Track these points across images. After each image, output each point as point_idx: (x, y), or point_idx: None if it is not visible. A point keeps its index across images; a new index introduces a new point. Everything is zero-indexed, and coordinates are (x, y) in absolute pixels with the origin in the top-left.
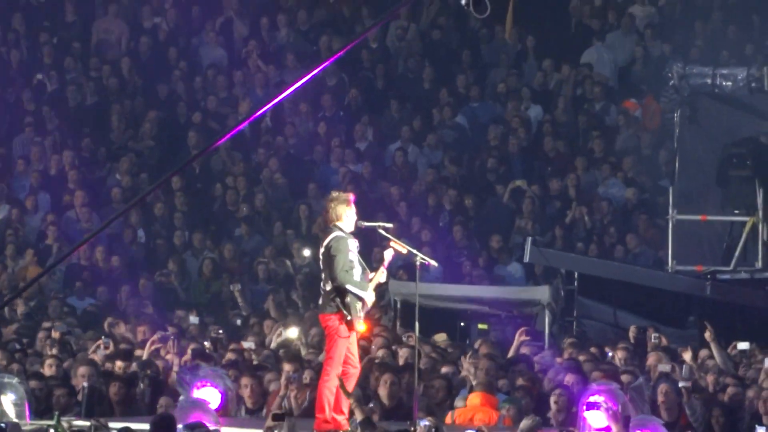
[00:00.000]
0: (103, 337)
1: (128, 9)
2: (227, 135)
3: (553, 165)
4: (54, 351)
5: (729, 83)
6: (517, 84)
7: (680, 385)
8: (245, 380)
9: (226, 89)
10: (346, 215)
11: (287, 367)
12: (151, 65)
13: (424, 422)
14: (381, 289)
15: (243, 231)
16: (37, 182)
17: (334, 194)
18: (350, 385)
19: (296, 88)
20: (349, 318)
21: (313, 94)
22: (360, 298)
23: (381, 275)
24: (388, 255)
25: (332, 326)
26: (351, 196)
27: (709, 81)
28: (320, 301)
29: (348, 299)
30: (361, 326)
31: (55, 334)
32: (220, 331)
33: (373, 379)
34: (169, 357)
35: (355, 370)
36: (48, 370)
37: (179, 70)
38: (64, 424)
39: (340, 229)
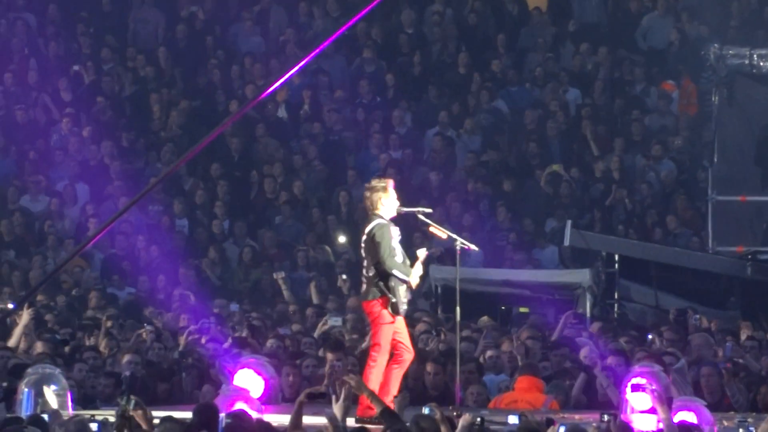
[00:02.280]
0: (145, 325)
1: None
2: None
3: (592, 148)
4: (96, 340)
5: (767, 63)
6: (554, 67)
7: (719, 365)
8: (284, 368)
9: (263, 77)
10: (383, 203)
11: (330, 356)
12: (188, 54)
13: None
14: (422, 275)
15: (283, 218)
16: (75, 173)
17: (371, 183)
18: (401, 372)
19: (291, 75)
20: (393, 301)
21: (351, 80)
22: (404, 281)
23: (418, 270)
24: (421, 254)
25: (376, 312)
26: (390, 183)
27: (746, 61)
28: (363, 288)
29: (392, 283)
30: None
31: (107, 323)
32: (255, 317)
33: (416, 367)
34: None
35: (409, 355)
36: (90, 360)
37: (216, 58)
38: (110, 417)
39: (381, 217)
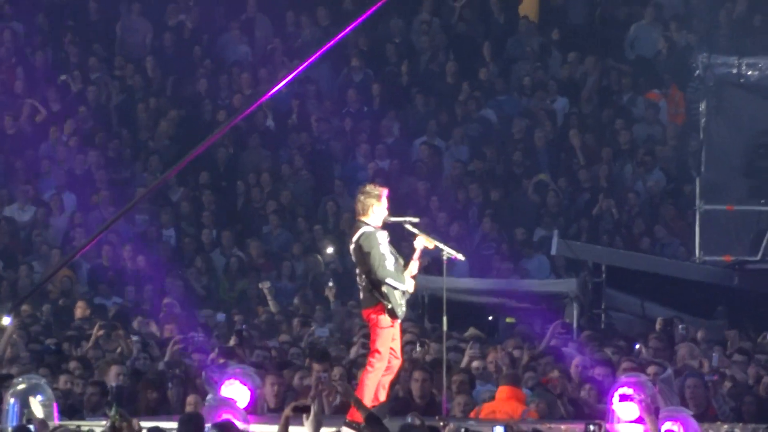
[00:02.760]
0: (132, 335)
1: (152, 7)
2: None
3: (579, 157)
4: (82, 351)
5: (755, 72)
6: (542, 77)
7: (706, 378)
8: (269, 378)
9: (251, 87)
10: (373, 210)
11: (317, 367)
12: (176, 63)
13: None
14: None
15: (270, 228)
16: (62, 183)
17: (366, 188)
18: (389, 379)
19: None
20: (389, 307)
21: (339, 90)
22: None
23: (414, 266)
24: (419, 244)
25: (374, 319)
26: (384, 191)
27: (734, 70)
28: (360, 297)
29: (385, 289)
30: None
31: (99, 332)
32: (245, 327)
33: (403, 375)
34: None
35: (397, 361)
36: (77, 370)
37: (204, 68)
38: (96, 429)
39: (366, 224)
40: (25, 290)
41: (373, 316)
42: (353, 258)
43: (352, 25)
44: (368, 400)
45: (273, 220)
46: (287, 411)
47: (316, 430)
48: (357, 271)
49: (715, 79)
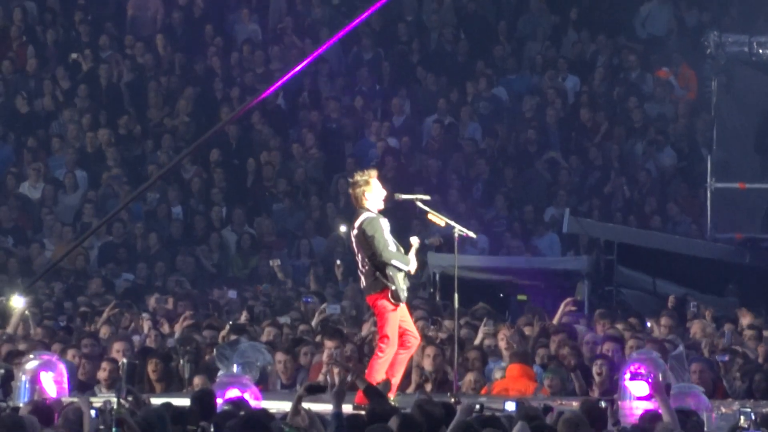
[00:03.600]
0: (143, 313)
1: None
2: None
3: (590, 135)
4: (95, 327)
5: (766, 51)
6: (553, 55)
7: (718, 358)
8: (279, 356)
9: (262, 65)
10: (366, 197)
11: (329, 343)
12: (187, 42)
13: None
14: (420, 262)
15: (281, 206)
16: (74, 161)
17: (353, 178)
18: (406, 357)
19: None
20: (393, 288)
21: (350, 68)
22: (403, 269)
23: (413, 256)
24: (415, 242)
25: (380, 305)
26: (372, 175)
27: (745, 49)
28: (363, 284)
29: (389, 272)
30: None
31: (111, 312)
32: (257, 304)
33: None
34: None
35: (416, 341)
36: (87, 348)
37: (215, 46)
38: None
39: (368, 210)
40: (38, 268)
41: (378, 302)
42: (354, 245)
43: (374, 8)
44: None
45: (284, 198)
46: (301, 391)
47: (340, 402)
48: (359, 257)
49: (726, 57)
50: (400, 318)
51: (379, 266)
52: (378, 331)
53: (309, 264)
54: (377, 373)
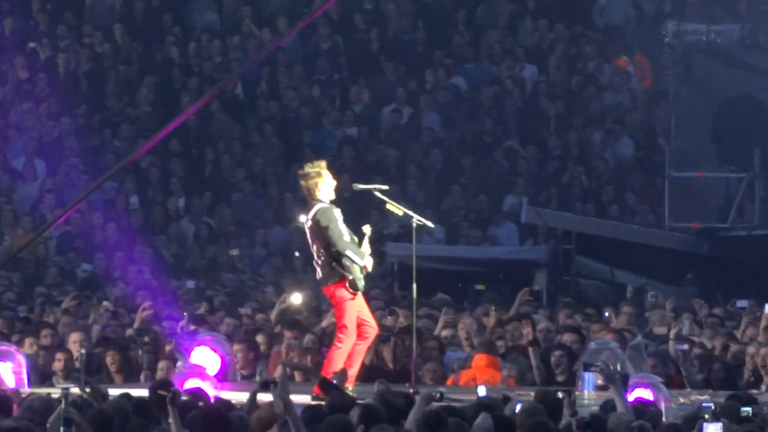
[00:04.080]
0: (104, 302)
1: None
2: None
3: (548, 125)
4: (53, 317)
5: (723, 40)
6: (511, 44)
7: (676, 347)
8: (237, 346)
9: (221, 54)
10: (319, 188)
11: (288, 334)
12: (145, 31)
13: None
14: (378, 252)
15: (241, 195)
16: (32, 150)
17: (304, 170)
18: (364, 348)
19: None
20: (351, 278)
21: (308, 57)
22: (357, 263)
23: (366, 247)
24: (367, 231)
25: (338, 295)
26: (322, 166)
27: (703, 38)
28: (319, 275)
29: (346, 261)
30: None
31: (70, 303)
32: (215, 295)
33: (374, 342)
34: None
35: (373, 331)
36: (46, 338)
37: (173, 35)
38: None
39: (321, 201)
40: None
41: (336, 292)
42: (309, 237)
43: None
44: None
45: (243, 187)
46: (256, 387)
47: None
48: (314, 248)
49: (684, 46)
50: (357, 308)
51: (335, 256)
52: (336, 322)
53: (266, 254)
54: (335, 364)
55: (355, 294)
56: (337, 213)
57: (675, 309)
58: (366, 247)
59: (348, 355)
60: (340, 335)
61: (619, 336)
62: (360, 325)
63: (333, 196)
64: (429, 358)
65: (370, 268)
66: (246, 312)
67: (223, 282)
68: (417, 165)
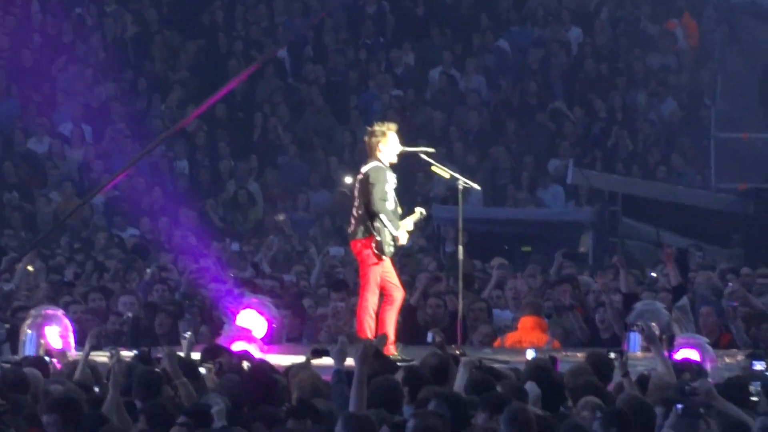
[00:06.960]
0: (148, 268)
1: None
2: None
3: (594, 87)
4: (102, 282)
5: None
6: (556, 7)
7: (725, 304)
8: (287, 310)
9: (266, 18)
10: (380, 149)
11: (334, 295)
12: None
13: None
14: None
15: (287, 159)
16: (78, 115)
17: (372, 127)
18: (394, 312)
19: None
20: (378, 239)
21: (353, 21)
22: (390, 230)
23: (409, 223)
24: (416, 214)
25: (363, 253)
26: (391, 128)
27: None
28: (350, 228)
29: (377, 224)
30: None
31: (118, 267)
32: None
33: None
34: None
35: (400, 294)
36: (94, 302)
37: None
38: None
39: (380, 161)
40: (42, 223)
41: (363, 250)
42: (356, 191)
43: None
44: (371, 333)
45: (289, 151)
46: (308, 355)
47: (341, 361)
48: (355, 203)
49: (730, 7)
50: (383, 270)
51: (371, 214)
52: (360, 279)
53: (314, 218)
54: (364, 322)
55: (381, 258)
56: (390, 177)
57: (721, 270)
58: (408, 223)
59: (380, 322)
60: (363, 292)
61: (667, 296)
62: (385, 289)
63: (394, 160)
64: (477, 320)
65: (402, 242)
66: (290, 279)
67: (270, 246)
68: (462, 128)
